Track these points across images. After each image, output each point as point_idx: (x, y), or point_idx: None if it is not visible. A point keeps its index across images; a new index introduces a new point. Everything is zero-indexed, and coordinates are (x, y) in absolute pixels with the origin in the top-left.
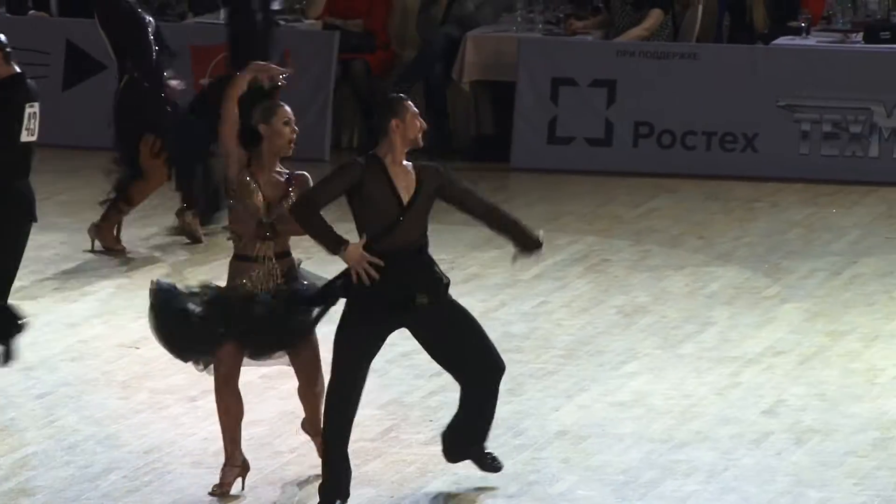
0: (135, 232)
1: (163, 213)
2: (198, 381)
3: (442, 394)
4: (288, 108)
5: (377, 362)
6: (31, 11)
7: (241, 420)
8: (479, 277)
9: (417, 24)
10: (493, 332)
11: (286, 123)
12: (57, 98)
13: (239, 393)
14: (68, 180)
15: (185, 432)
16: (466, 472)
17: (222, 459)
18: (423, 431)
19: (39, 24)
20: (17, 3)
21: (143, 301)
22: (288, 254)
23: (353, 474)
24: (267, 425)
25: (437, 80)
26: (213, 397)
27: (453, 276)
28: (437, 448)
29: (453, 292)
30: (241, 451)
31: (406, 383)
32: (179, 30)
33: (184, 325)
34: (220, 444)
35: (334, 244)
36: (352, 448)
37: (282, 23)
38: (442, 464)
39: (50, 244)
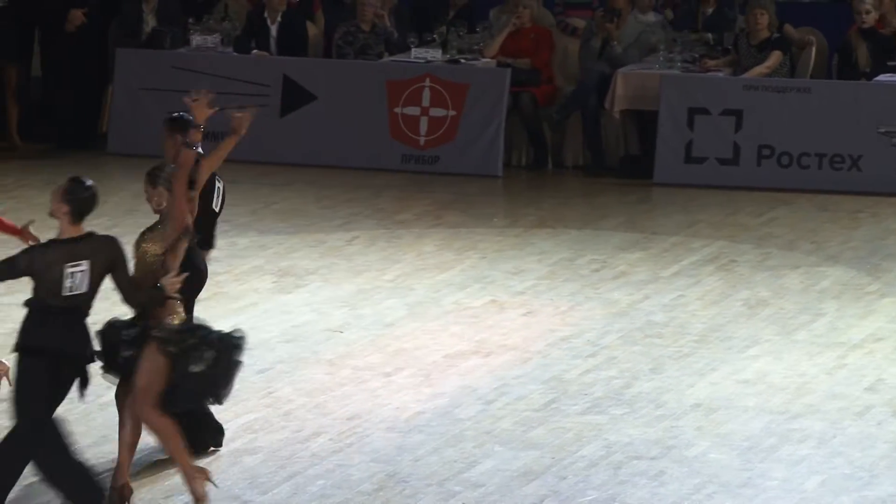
0: (340, 235)
1: (361, 220)
2: (391, 360)
3: (595, 371)
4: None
5: (539, 345)
6: (254, 51)
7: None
8: (626, 275)
9: (579, 56)
10: (638, 321)
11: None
12: (275, 124)
13: None
14: (283, 192)
15: (381, 402)
16: (616, 438)
17: (414, 424)
18: (580, 403)
19: (261, 62)
20: (242, 45)
21: (346, 294)
22: None
23: (521, 440)
24: (448, 397)
25: (593, 110)
26: (405, 373)
27: (604, 273)
28: (592, 417)
29: (604, 288)
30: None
31: (565, 363)
32: (378, 67)
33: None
34: (412, 411)
35: None
36: (518, 417)
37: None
38: (595, 430)
39: (269, 244)
